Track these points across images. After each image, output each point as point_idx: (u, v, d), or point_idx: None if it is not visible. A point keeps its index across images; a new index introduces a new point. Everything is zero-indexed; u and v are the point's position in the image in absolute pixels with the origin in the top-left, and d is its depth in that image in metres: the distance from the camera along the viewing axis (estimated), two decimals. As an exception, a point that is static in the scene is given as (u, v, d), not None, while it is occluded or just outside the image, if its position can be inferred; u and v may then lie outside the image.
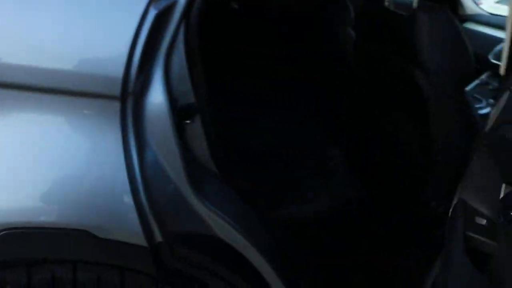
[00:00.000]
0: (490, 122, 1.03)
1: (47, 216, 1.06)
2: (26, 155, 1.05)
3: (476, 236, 0.95)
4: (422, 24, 1.55)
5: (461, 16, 3.04)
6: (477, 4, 3.07)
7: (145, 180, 1.04)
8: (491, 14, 3.02)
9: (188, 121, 1.12)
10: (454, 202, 1.09)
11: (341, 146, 2.39)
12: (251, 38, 2.86)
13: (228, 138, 1.65)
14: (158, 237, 1.07)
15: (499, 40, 1.87)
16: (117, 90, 1.00)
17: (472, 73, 1.61)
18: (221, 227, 1.16)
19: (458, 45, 1.57)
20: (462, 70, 1.59)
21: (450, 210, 1.11)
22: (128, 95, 1.01)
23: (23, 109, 1.03)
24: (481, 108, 2.40)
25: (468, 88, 2.45)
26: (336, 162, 2.33)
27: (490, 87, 1.60)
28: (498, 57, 1.48)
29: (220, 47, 2.71)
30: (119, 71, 0.99)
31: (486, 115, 1.33)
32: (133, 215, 1.03)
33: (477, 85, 2.65)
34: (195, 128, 1.17)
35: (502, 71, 1.25)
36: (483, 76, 2.63)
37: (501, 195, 0.91)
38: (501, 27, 1.76)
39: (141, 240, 1.05)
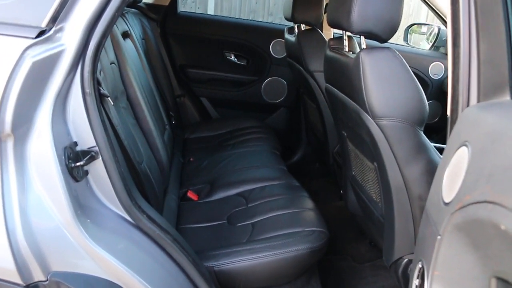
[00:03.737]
0: (449, 191, 0.96)
1: None
2: None
3: None
4: (364, 65, 1.49)
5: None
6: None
7: (26, 220, 1.08)
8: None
9: (81, 163, 1.15)
10: None
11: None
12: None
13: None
14: (39, 276, 1.12)
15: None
16: None
17: (425, 115, 1.53)
18: (108, 266, 1.19)
19: (405, 86, 1.50)
20: (413, 112, 1.50)
21: None
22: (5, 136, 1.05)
23: None
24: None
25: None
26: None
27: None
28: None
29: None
30: None
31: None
32: (6, 253, 1.07)
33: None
34: (98, 169, 1.21)
35: (448, 111, 1.23)
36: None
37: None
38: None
39: (15, 278, 1.10)
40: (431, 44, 3.63)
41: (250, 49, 3.46)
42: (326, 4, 3.00)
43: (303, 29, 2.70)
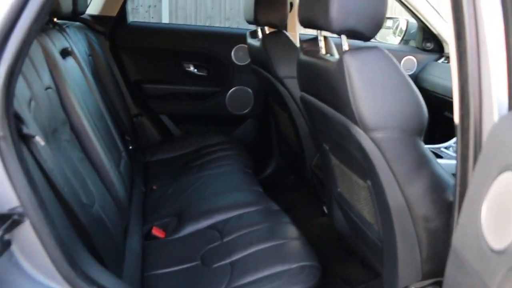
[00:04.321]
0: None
1: None
2: None
3: None
4: (349, 69, 1.26)
5: (447, 55, 2.92)
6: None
7: None
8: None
9: None
10: None
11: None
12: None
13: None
14: None
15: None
16: None
17: (425, 122, 1.32)
18: None
19: (400, 90, 1.28)
20: (412, 120, 1.29)
21: None
22: None
23: None
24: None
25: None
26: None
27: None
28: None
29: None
30: None
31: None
32: None
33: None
34: (25, 235, 0.94)
35: (456, 118, 1.10)
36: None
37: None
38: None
39: None
40: (400, 38, 3.45)
41: (210, 58, 3.19)
42: (290, 3, 2.78)
43: (267, 31, 2.44)
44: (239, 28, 3.38)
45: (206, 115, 3.31)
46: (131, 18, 3.33)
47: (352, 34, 1.32)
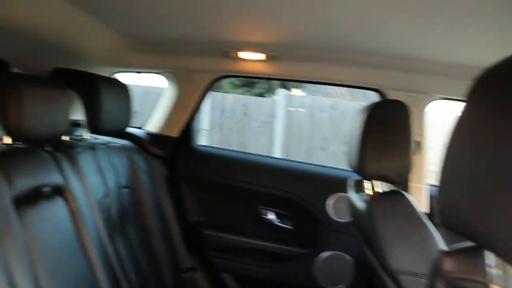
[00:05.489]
0: None
1: None
2: None
3: None
4: None
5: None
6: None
7: None
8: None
9: None
10: None
11: None
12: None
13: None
14: None
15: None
16: None
17: None
18: None
19: None
20: None
21: None
22: None
23: None
24: None
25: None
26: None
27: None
28: None
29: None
30: None
31: None
32: None
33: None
34: None
35: None
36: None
37: None
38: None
39: None
40: None
41: (297, 206, 2.30)
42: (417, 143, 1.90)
43: (381, 191, 1.51)
44: (342, 170, 2.42)
45: (285, 284, 2.36)
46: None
47: None
